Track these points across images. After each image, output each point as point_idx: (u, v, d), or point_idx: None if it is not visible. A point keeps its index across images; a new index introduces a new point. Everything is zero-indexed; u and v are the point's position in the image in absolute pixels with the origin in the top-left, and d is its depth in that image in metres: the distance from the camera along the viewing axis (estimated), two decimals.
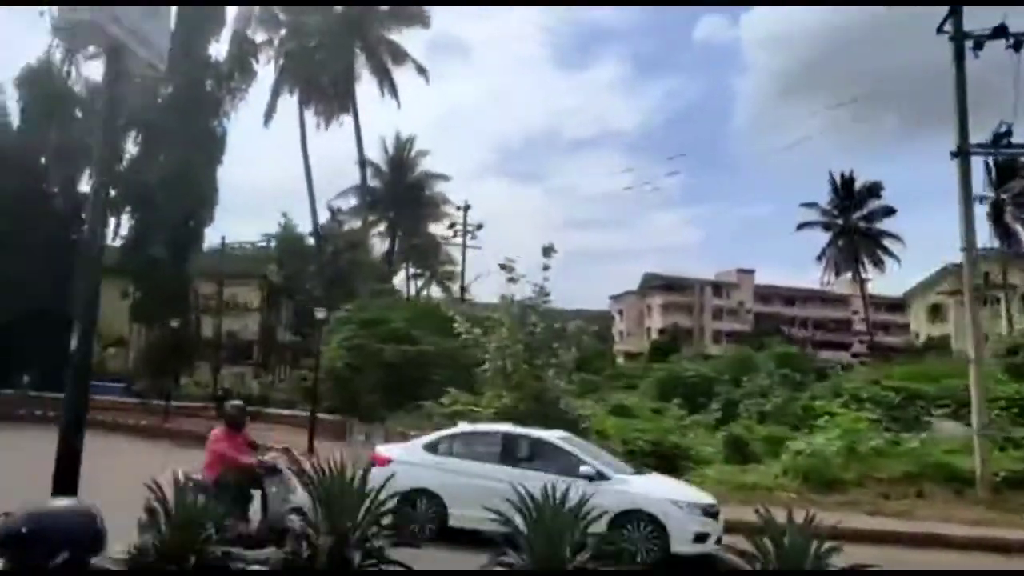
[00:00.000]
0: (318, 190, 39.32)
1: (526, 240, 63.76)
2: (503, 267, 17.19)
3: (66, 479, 4.69)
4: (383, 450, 11.96)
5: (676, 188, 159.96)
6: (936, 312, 66.54)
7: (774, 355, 33.41)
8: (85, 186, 36.68)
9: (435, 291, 43.34)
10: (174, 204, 33.23)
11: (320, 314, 22.86)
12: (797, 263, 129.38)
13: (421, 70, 34.90)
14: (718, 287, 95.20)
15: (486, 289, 29.59)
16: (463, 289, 36.86)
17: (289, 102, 37.45)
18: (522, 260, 17.69)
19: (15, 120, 35.65)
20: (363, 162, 37.81)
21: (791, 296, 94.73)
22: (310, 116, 38.17)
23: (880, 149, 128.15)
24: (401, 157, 43.89)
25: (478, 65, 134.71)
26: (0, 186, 33.18)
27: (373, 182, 44.75)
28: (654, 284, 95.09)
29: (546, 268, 17.22)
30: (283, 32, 36.81)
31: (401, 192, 43.13)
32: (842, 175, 61.69)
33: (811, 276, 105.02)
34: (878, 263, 60.66)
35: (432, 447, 11.56)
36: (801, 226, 61.86)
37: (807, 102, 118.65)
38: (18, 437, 18.80)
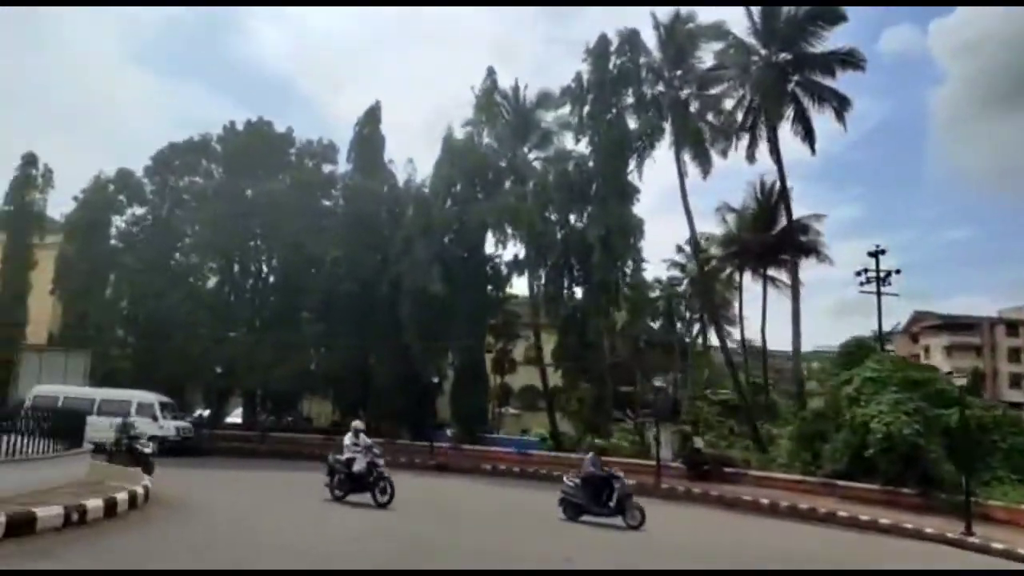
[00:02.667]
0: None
1: None
2: None
3: None
4: None
5: (861, 213, 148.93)
6: None
7: None
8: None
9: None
10: (602, 257, 33.56)
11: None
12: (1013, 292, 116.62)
13: (839, 114, 33.15)
14: (1012, 325, 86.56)
15: None
16: (882, 339, 34.45)
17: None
18: None
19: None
20: (788, 208, 36.33)
21: None
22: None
23: None
24: (769, 203, 42.40)
25: None
26: (439, 258, 35.59)
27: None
28: (928, 323, 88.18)
29: None
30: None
31: (772, 239, 41.65)
32: None
33: None
34: None
35: None
36: None
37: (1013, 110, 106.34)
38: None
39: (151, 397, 32.65)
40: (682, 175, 35.60)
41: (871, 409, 23.61)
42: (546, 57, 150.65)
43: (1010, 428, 23.18)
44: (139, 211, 40.40)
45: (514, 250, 38.32)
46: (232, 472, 25.23)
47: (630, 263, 34.61)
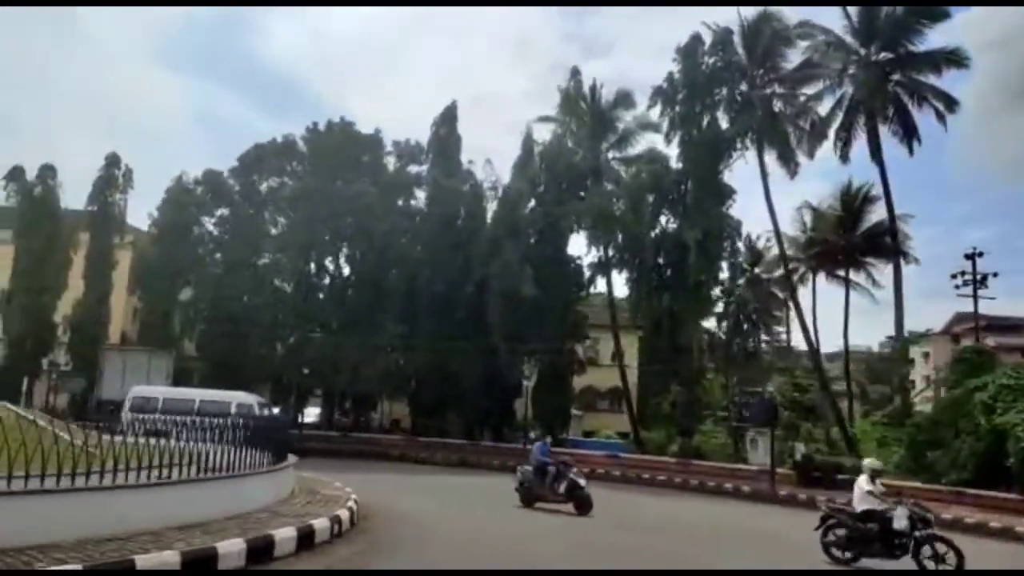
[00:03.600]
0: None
1: None
2: None
3: None
4: None
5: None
6: None
7: None
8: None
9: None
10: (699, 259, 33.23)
11: None
12: None
13: (940, 116, 32.62)
14: None
15: None
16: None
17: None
18: None
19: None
20: (891, 208, 35.68)
21: None
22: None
23: None
24: (854, 204, 41.84)
25: None
26: (528, 259, 35.50)
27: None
28: (970, 324, 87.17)
29: None
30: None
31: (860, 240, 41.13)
32: None
33: None
34: None
35: None
36: None
37: None
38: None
39: (251, 398, 32.54)
40: (765, 175, 35.25)
41: (1011, 417, 23.14)
42: (563, 55, 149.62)
43: None
44: (224, 212, 40.43)
45: (597, 251, 38.10)
46: (374, 475, 24.77)
47: (725, 266, 34.21)
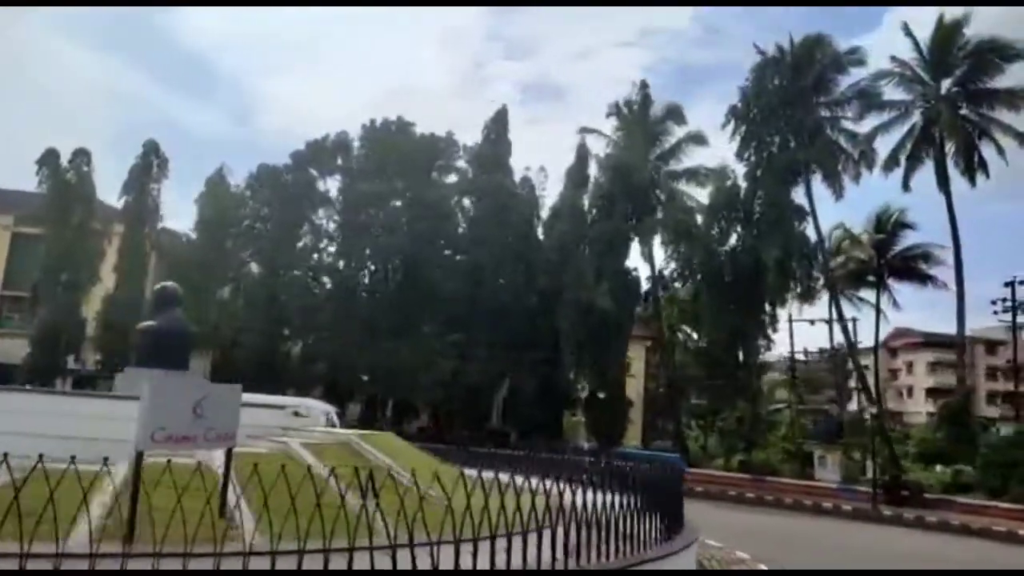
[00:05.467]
0: None
1: None
2: None
3: None
4: None
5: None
6: None
7: None
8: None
9: None
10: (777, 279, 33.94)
11: None
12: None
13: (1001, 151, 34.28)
14: (990, 344, 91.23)
15: None
16: (1016, 371, 35.91)
17: None
18: None
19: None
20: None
21: None
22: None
23: None
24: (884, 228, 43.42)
25: None
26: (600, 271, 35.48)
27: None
28: (909, 340, 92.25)
29: None
30: None
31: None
32: None
33: None
34: None
35: None
36: None
37: None
38: None
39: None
40: (811, 198, 36.25)
41: None
42: (486, 53, 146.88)
43: None
44: (266, 210, 38.74)
45: (662, 264, 38.45)
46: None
47: (798, 286, 35.02)
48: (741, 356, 36.13)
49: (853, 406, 39.12)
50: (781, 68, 37.28)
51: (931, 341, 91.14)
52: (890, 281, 44.93)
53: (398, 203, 37.89)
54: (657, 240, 37.64)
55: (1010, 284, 38.09)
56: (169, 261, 39.06)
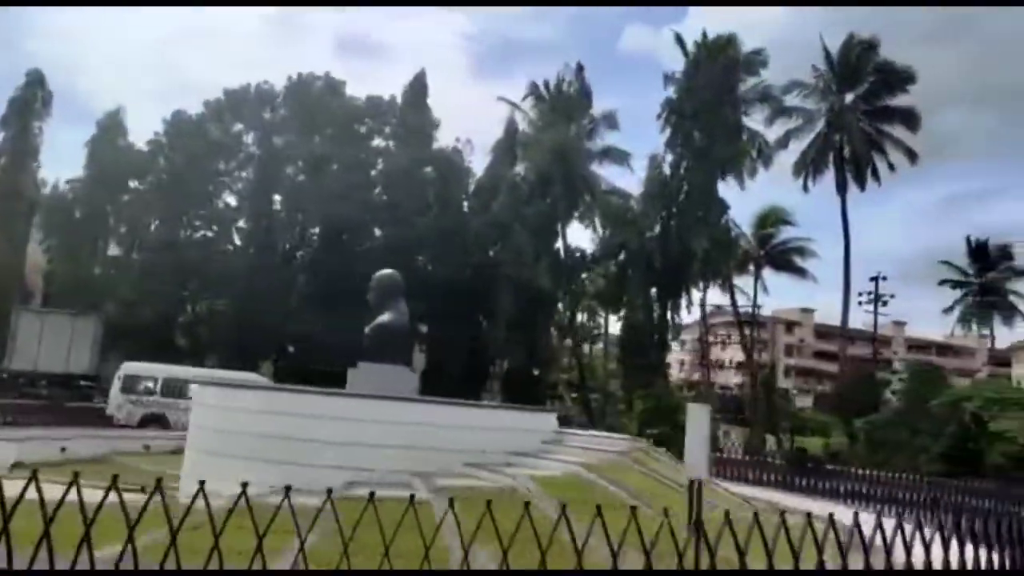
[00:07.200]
0: None
1: None
2: None
3: None
4: None
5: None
6: None
7: None
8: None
9: None
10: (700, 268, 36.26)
11: None
12: None
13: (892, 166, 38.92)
14: (789, 324, 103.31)
15: None
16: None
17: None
18: None
19: None
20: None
21: (850, 336, 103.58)
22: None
23: None
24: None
25: None
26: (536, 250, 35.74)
27: None
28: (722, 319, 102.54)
29: None
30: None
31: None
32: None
33: None
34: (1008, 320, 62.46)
35: None
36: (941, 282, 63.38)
37: None
38: None
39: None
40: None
41: (1003, 424, 29.14)
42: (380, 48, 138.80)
43: None
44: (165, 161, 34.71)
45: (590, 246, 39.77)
46: None
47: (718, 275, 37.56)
48: (656, 337, 38.17)
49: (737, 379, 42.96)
50: (713, 69, 39.03)
51: (743, 320, 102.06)
52: (766, 271, 49.64)
53: (320, 165, 35.55)
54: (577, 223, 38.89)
55: (875, 279, 43.76)
56: (48, 208, 34.01)
